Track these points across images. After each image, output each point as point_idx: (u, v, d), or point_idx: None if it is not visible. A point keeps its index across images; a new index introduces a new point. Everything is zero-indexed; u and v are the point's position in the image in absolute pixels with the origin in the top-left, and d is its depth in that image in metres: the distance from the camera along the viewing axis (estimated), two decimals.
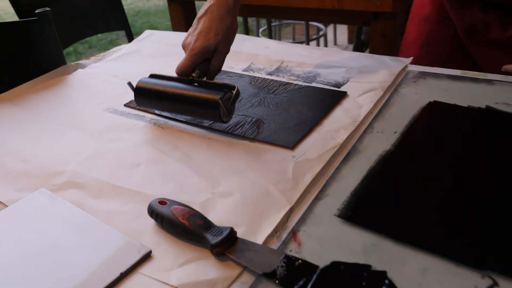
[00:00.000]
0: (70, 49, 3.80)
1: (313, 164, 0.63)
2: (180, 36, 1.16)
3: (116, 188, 0.60)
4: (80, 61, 1.01)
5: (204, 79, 0.74)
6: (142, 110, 0.80)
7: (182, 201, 0.55)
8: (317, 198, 0.56)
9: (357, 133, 0.70)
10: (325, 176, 0.60)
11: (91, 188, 0.61)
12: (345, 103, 0.79)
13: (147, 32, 1.15)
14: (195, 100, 0.69)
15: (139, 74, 0.94)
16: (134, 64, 1.00)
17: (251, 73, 0.93)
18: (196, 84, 0.71)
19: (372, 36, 1.42)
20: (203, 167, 0.63)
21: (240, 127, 0.73)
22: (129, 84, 0.74)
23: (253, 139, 0.69)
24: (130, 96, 0.85)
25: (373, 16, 1.38)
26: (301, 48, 1.04)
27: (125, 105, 0.82)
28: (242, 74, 0.93)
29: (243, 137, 0.70)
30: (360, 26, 1.85)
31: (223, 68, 0.95)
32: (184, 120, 0.76)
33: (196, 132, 0.72)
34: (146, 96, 0.73)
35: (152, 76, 0.75)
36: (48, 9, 0.92)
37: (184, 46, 0.77)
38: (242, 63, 0.98)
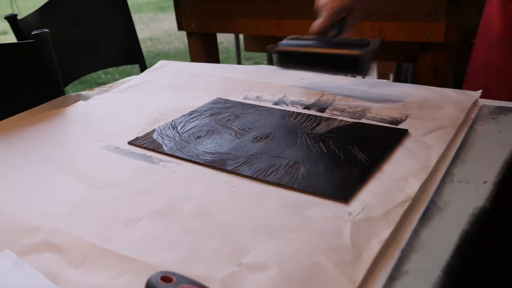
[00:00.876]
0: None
1: (378, 225, 0.47)
2: (198, 67, 1.04)
3: (105, 253, 0.45)
4: (82, 92, 0.89)
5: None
6: (149, 149, 0.66)
7: (196, 276, 0.39)
8: (392, 277, 0.40)
9: (432, 183, 0.54)
10: (399, 243, 0.44)
11: (71, 252, 0.46)
12: (408, 144, 0.64)
13: (161, 62, 1.04)
14: (337, 57, 0.78)
15: (151, 106, 0.81)
16: (145, 96, 0.87)
17: (284, 107, 0.79)
18: (334, 41, 0.80)
19: (419, 72, 1.28)
20: (225, 226, 0.48)
21: (273, 172, 0.58)
22: (271, 47, 0.84)
23: (291, 188, 0.54)
24: (136, 131, 0.71)
25: (420, 48, 1.25)
26: (343, 80, 0.90)
27: (129, 142, 0.68)
28: (272, 108, 0.79)
29: (278, 185, 0.55)
30: (402, 62, 1.72)
31: (251, 102, 0.82)
32: (201, 161, 0.61)
33: (216, 177, 0.57)
34: (289, 58, 0.84)
35: (290, 38, 0.85)
36: (47, 30, 0.81)
37: (319, 8, 0.82)
38: (273, 95, 0.84)
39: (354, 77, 0.82)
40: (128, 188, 0.56)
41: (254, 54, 3.90)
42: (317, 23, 0.81)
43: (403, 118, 0.72)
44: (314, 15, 1.33)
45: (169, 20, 5.92)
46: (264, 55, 3.03)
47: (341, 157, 0.61)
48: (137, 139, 0.69)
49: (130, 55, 1.43)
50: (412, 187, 0.53)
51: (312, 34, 0.82)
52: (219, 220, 0.49)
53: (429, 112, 0.74)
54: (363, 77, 0.83)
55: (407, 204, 0.50)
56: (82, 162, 0.63)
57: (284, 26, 1.34)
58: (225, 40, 4.47)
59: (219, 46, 1.88)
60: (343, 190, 0.53)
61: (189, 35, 1.52)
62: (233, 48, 3.81)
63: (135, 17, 4.57)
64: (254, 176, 0.57)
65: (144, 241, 0.46)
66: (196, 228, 0.48)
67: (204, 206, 0.51)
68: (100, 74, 3.78)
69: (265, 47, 1.78)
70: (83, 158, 0.64)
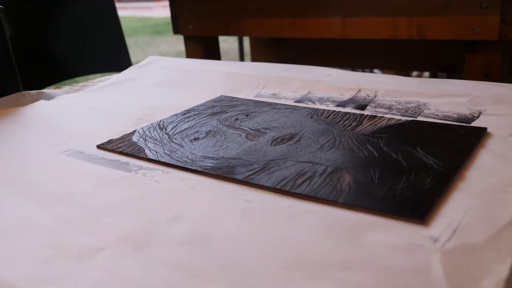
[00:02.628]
0: None
1: (486, 256, 0.31)
2: (196, 62, 0.90)
3: None
4: (45, 90, 0.74)
5: None
6: (126, 154, 0.50)
7: None
8: None
9: None
10: None
11: None
12: (492, 145, 0.49)
13: (150, 58, 0.90)
14: None
15: (133, 106, 0.66)
16: (126, 95, 0.72)
17: (310, 105, 0.64)
18: None
19: (467, 76, 1.14)
20: (236, 260, 0.32)
21: (305, 181, 0.42)
22: None
23: (335, 203, 0.38)
24: (110, 134, 0.56)
25: (468, 48, 1.11)
26: (380, 77, 0.75)
27: (99, 146, 0.53)
28: (295, 105, 0.64)
29: (314, 199, 0.39)
30: (439, 72, 1.58)
31: (267, 100, 0.67)
32: (199, 168, 0.46)
33: (220, 190, 0.42)
34: None
35: None
36: (1, 7, 0.67)
37: None
38: (294, 92, 0.70)
39: None
40: (88, 204, 0.40)
41: None
42: None
43: (475, 115, 0.57)
44: (335, 12, 1.20)
45: (166, 44, 5.88)
46: None
47: (401, 162, 0.45)
48: (109, 142, 0.54)
49: (116, 62, 1.30)
50: None
51: None
52: (226, 252, 0.33)
53: (507, 108, 0.59)
54: None
55: None
56: (28, 171, 0.48)
57: (300, 26, 1.21)
58: (229, 48, 4.37)
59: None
60: (416, 206, 0.37)
61: (186, 40, 1.39)
62: (236, 57, 3.69)
63: (130, 41, 4.49)
64: (278, 187, 0.41)
65: (106, 283, 0.30)
66: (189, 264, 0.32)
67: (201, 230, 0.35)
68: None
69: (274, 55, 1.65)
70: (30, 166, 0.49)
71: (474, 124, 0.55)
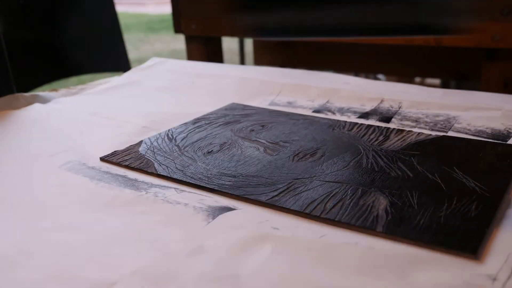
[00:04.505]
0: None
1: None
2: (204, 66, 0.86)
3: None
4: (40, 93, 0.70)
5: None
6: (133, 168, 0.47)
7: None
8: None
9: None
10: None
11: None
12: None
13: (154, 60, 0.86)
14: None
15: (138, 112, 0.63)
16: (130, 100, 0.69)
17: (329, 115, 0.61)
18: None
19: (484, 86, 1.11)
20: None
21: (337, 204, 0.39)
22: None
23: (374, 232, 0.35)
24: (114, 144, 0.53)
25: (486, 55, 1.08)
26: (402, 86, 0.72)
27: (102, 158, 0.49)
28: (313, 116, 0.61)
29: (350, 226, 0.36)
30: (455, 79, 1.55)
31: (281, 109, 0.64)
32: (217, 187, 0.42)
33: (243, 214, 0.38)
34: None
35: None
36: None
37: None
38: (311, 101, 0.67)
39: None
40: (95, 231, 0.36)
41: None
42: None
43: (511, 131, 0.54)
44: None
45: (161, 42, 5.84)
46: None
47: (440, 184, 0.42)
48: (114, 153, 0.50)
49: (114, 61, 1.27)
50: None
51: None
52: None
53: None
54: None
55: None
56: (24, 187, 0.44)
57: None
58: (226, 48, 4.34)
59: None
60: (465, 237, 0.34)
61: (188, 40, 1.36)
62: (234, 58, 3.65)
63: None
64: (307, 211, 0.38)
65: None
66: None
67: (227, 266, 0.32)
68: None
69: (278, 58, 1.62)
70: (26, 181, 0.45)
71: (511, 141, 0.52)
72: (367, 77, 2.23)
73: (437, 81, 2.27)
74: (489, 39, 1.05)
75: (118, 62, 1.26)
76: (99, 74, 1.44)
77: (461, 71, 1.39)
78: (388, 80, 2.46)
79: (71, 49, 1.24)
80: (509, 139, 0.53)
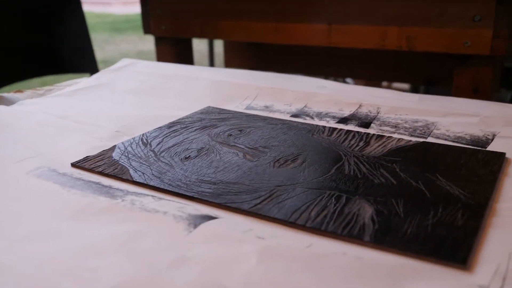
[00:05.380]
0: None
1: None
2: (177, 67, 0.84)
3: None
4: (4, 94, 0.68)
5: None
6: (107, 175, 0.45)
7: None
8: None
9: None
10: None
11: None
12: None
13: (125, 61, 0.84)
14: None
15: (109, 116, 0.61)
16: (100, 102, 0.67)
17: (308, 120, 0.61)
18: None
19: (455, 92, 1.13)
20: None
21: (321, 212, 0.38)
22: None
23: (361, 242, 0.35)
24: (86, 149, 0.51)
25: (459, 61, 1.10)
26: (379, 91, 0.73)
27: (74, 164, 0.48)
28: (291, 121, 0.60)
29: (337, 236, 0.35)
30: (426, 84, 1.57)
31: (260, 113, 0.63)
32: (197, 195, 0.41)
33: (225, 223, 0.37)
34: None
35: None
36: None
37: None
38: (288, 105, 0.66)
39: None
40: (69, 242, 0.35)
41: None
42: None
43: (489, 137, 0.55)
44: (321, 18, 1.17)
45: (127, 42, 5.77)
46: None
47: (424, 191, 0.42)
48: (86, 159, 0.48)
49: (80, 61, 1.23)
50: None
51: None
52: None
53: None
54: None
55: None
56: None
57: (284, 31, 1.18)
58: (194, 49, 4.32)
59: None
60: (454, 247, 0.34)
61: (158, 41, 1.34)
62: (203, 59, 3.62)
63: None
64: (292, 220, 0.37)
65: None
66: None
67: (212, 278, 0.31)
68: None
69: (249, 60, 1.61)
70: None
71: (490, 147, 0.53)
72: (335, 80, 2.25)
73: (404, 85, 2.31)
74: (460, 45, 1.06)
75: (85, 63, 1.23)
76: (63, 75, 1.41)
77: (432, 76, 1.41)
78: (355, 84, 2.48)
79: (35, 49, 1.21)
80: (488, 145, 0.53)
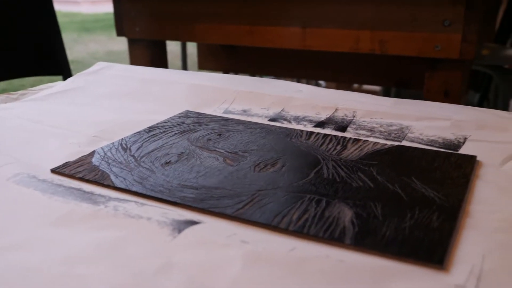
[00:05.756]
0: None
1: None
2: (154, 71, 0.85)
3: None
4: None
5: None
6: (88, 181, 0.45)
7: None
8: None
9: None
10: None
11: None
12: (487, 176, 0.49)
13: (100, 64, 0.84)
14: None
15: (87, 121, 0.61)
16: (76, 107, 0.67)
17: (286, 124, 0.62)
18: None
19: (426, 95, 1.16)
20: None
21: (303, 216, 0.39)
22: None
23: (342, 245, 0.36)
24: (64, 155, 0.51)
25: (430, 65, 1.13)
26: (355, 95, 0.74)
27: (53, 170, 0.47)
28: (269, 125, 0.61)
29: (318, 239, 0.37)
30: (398, 87, 1.61)
31: (236, 117, 0.64)
32: (179, 201, 0.42)
33: (209, 228, 0.38)
34: None
35: None
36: None
37: None
38: (266, 109, 0.67)
39: None
40: (53, 251, 0.35)
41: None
42: None
43: (461, 141, 0.57)
44: (296, 22, 1.19)
45: (95, 42, 5.70)
46: None
47: (401, 194, 0.43)
48: (66, 165, 0.48)
49: (51, 63, 1.21)
50: None
51: None
52: None
53: (492, 134, 0.59)
54: None
55: None
56: None
57: (259, 34, 1.19)
58: (169, 53, 4.29)
59: None
60: (431, 248, 0.35)
61: (131, 43, 1.33)
62: (175, 61, 3.60)
63: None
64: (274, 224, 0.38)
65: None
66: None
67: (199, 283, 0.31)
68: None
69: (223, 62, 1.62)
70: None
71: (461, 150, 0.55)
72: (308, 83, 2.27)
73: (375, 87, 2.35)
74: (431, 49, 1.09)
75: (57, 65, 1.21)
76: (28, 78, 1.38)
77: (403, 79, 1.45)
78: (327, 87, 2.52)
79: (4, 50, 1.19)
80: (460, 148, 0.55)
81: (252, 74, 1.89)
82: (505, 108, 1.59)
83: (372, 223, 0.39)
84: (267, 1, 1.17)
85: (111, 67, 0.83)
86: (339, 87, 2.42)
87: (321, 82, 2.60)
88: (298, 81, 2.10)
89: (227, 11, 1.20)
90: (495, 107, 1.72)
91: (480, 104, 1.74)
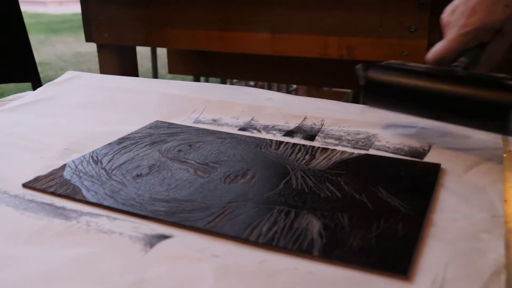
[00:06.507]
0: None
1: None
2: (124, 80, 0.85)
3: None
4: None
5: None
6: (60, 195, 0.46)
7: None
8: None
9: None
10: None
11: None
12: (450, 184, 0.51)
13: (70, 73, 0.84)
14: (473, 100, 0.55)
15: (57, 132, 0.61)
16: (46, 118, 0.67)
17: (255, 133, 0.63)
18: (461, 76, 0.58)
19: None
20: None
21: (272, 228, 0.41)
22: (358, 68, 0.64)
23: (311, 256, 0.37)
24: (35, 168, 0.51)
25: None
26: (324, 103, 0.76)
27: (25, 185, 0.48)
28: (239, 134, 0.62)
29: (288, 251, 0.38)
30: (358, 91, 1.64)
31: (206, 127, 0.65)
32: (150, 214, 0.42)
33: (181, 242, 0.39)
34: (383, 93, 0.62)
35: (386, 64, 0.64)
36: None
37: (446, 24, 0.65)
38: (236, 118, 0.68)
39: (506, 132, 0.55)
40: (26, 268, 0.35)
41: (178, 77, 3.64)
42: (438, 47, 0.64)
43: (426, 149, 0.59)
44: (264, 27, 1.21)
45: (63, 44, 5.62)
46: (191, 79, 2.77)
47: (367, 204, 0.45)
48: (37, 179, 0.49)
49: (19, 69, 1.19)
50: (496, 249, 0.39)
51: (429, 63, 0.64)
52: None
53: (455, 141, 0.62)
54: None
55: (503, 278, 0.35)
56: None
57: (228, 39, 1.20)
58: (138, 53, 4.26)
59: None
60: (396, 259, 0.37)
61: (100, 49, 1.33)
62: (145, 66, 3.58)
63: None
64: (244, 237, 0.39)
65: None
66: None
67: None
68: None
69: (193, 67, 1.62)
70: None
71: (426, 158, 0.57)
72: (279, 87, 2.29)
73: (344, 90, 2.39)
74: (398, 54, 1.12)
75: (25, 71, 1.19)
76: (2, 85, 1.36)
77: None
78: (297, 90, 2.54)
79: None
80: (425, 156, 0.57)
81: (223, 78, 1.90)
82: None
83: (339, 234, 0.40)
84: (237, 7, 1.18)
85: (81, 76, 0.83)
86: (309, 90, 2.45)
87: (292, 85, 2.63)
88: (269, 85, 2.12)
89: (197, 16, 1.21)
90: None
91: None
